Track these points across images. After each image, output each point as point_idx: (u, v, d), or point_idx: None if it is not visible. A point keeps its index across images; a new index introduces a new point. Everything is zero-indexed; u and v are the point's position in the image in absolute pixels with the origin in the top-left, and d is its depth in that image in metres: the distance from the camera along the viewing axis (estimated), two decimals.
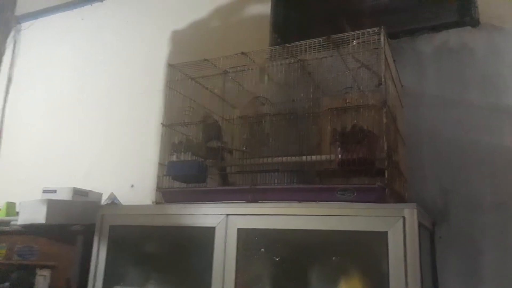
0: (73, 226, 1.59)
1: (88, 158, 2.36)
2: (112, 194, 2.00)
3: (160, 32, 2.34)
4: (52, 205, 1.62)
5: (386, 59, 1.32)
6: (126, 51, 2.45)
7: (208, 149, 1.50)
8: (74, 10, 2.69)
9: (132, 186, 2.17)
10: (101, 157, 2.34)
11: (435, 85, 1.71)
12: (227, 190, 1.43)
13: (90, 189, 1.96)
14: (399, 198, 1.40)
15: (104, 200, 1.98)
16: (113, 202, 1.96)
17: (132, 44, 2.44)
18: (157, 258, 1.46)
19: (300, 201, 1.28)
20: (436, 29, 1.76)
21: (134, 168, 2.17)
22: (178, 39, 2.30)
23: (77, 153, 2.41)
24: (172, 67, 1.59)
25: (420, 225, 1.15)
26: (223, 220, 1.31)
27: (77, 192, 1.91)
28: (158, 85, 2.08)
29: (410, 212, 1.13)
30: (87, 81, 2.53)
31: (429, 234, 1.51)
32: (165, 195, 1.51)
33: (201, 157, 1.53)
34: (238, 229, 1.28)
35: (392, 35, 1.76)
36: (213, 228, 1.31)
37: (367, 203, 1.17)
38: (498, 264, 1.48)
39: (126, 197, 1.99)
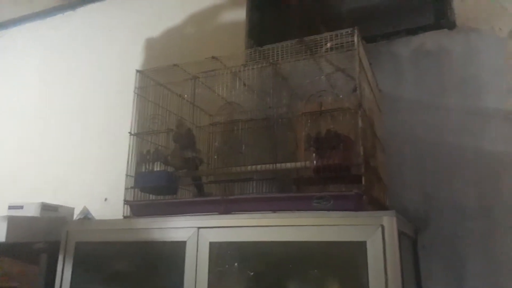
0: (36, 244, 1.49)
1: (61, 171, 2.28)
2: (85, 208, 1.88)
3: (134, 40, 2.30)
4: (13, 222, 1.51)
5: (360, 60, 1.28)
6: (98, 60, 2.39)
7: (179, 158, 1.46)
8: (45, 19, 2.62)
9: (106, 199, 2.11)
10: (74, 170, 2.26)
11: (413, 89, 1.68)
12: (197, 202, 1.37)
13: (62, 204, 1.88)
14: (380, 206, 1.35)
15: (76, 215, 1.88)
16: (86, 217, 1.85)
17: (105, 53, 2.38)
18: (125, 276, 1.39)
19: (275, 211, 1.22)
20: (413, 32, 1.74)
21: (108, 181, 2.10)
22: (152, 47, 2.26)
23: (50, 166, 2.33)
24: (140, 73, 1.55)
25: (400, 233, 1.10)
26: (194, 233, 1.25)
27: (45, 207, 1.81)
28: (131, 94, 2.04)
29: (389, 220, 1.07)
30: (59, 92, 2.46)
31: (411, 242, 1.46)
32: (133, 208, 1.45)
33: (174, 167, 1.47)
34: (210, 243, 1.23)
35: (369, 39, 1.74)
36: (184, 243, 1.25)
37: (344, 212, 1.12)
38: (483, 272, 1.43)
39: (100, 211, 1.86)
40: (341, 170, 1.18)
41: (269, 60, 1.40)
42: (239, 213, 1.27)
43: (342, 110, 1.24)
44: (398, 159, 1.63)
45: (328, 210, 1.15)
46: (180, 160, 1.43)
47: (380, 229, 1.07)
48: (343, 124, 1.25)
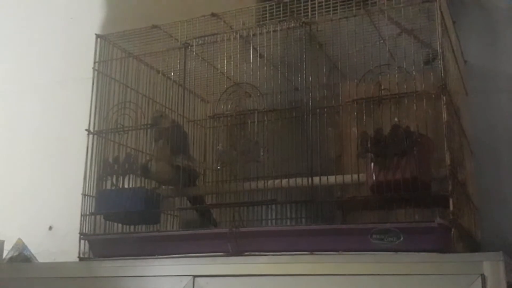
0: None
1: None
2: (19, 241, 1.88)
3: None
4: None
5: (442, 17, 1.25)
6: (38, 21, 2.38)
7: (169, 166, 1.48)
8: None
9: (51, 228, 2.12)
10: (2, 185, 2.23)
11: None
12: (193, 236, 1.36)
13: None
14: (471, 241, 1.33)
15: (7, 251, 1.88)
16: (22, 255, 1.86)
17: (48, 10, 2.37)
18: None
19: (312, 251, 1.21)
20: None
21: (54, 201, 2.10)
22: (118, 2, 2.25)
23: None
24: (102, 39, 1.55)
25: (510, 286, 1.04)
26: (188, 284, 1.24)
27: None
28: (88, 71, 2.03)
29: (493, 267, 1.02)
30: None
31: None
32: (94, 245, 1.45)
33: (159, 181, 1.50)
34: None
35: None
36: None
37: (422, 253, 1.10)
38: None
39: (43, 246, 1.95)
40: (415, 188, 1.15)
41: (299, 17, 1.38)
42: (257, 255, 1.25)
43: (416, 95, 1.20)
44: (492, 166, 1.62)
45: (397, 250, 1.13)
46: (170, 170, 1.43)
47: (479, 281, 1.02)
48: (416, 114, 1.21)
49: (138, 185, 1.47)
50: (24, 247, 1.85)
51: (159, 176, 1.48)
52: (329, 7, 1.34)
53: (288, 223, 1.42)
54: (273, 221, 1.39)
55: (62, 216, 2.00)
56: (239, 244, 1.26)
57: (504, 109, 1.64)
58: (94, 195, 1.47)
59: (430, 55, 1.34)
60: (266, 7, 1.43)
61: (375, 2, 1.31)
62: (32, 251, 1.83)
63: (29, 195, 2.16)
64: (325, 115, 1.34)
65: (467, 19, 1.68)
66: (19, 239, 1.84)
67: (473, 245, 1.37)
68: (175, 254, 1.32)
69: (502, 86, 1.65)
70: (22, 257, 1.80)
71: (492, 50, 1.68)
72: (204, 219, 1.48)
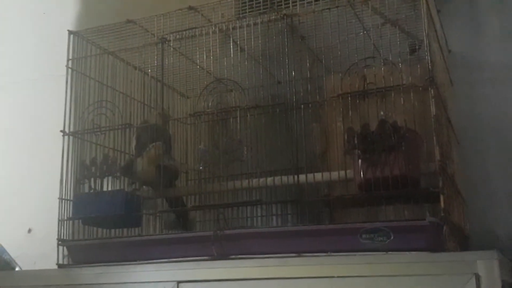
0: None
1: None
2: None
3: None
4: None
5: (428, 7, 1.23)
6: (8, 16, 2.35)
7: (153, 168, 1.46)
8: None
9: (30, 230, 2.11)
10: None
11: (500, 48, 1.65)
12: (176, 240, 1.34)
13: None
14: (460, 237, 1.31)
15: None
16: (1, 258, 1.85)
17: (19, 5, 2.34)
18: None
19: (299, 253, 1.19)
20: None
21: (32, 203, 2.09)
22: None
23: None
24: (75, 35, 1.53)
25: (505, 285, 1.02)
26: None
27: None
28: (61, 69, 2.00)
29: (487, 266, 1.00)
30: None
31: None
32: (73, 251, 1.42)
33: (145, 183, 1.48)
34: None
35: None
36: None
37: (413, 253, 1.09)
38: None
39: (21, 248, 1.93)
40: (404, 184, 1.13)
41: (280, 9, 1.36)
42: (243, 258, 1.23)
43: (402, 88, 1.18)
44: (477, 156, 1.60)
45: (387, 250, 1.11)
46: (155, 170, 1.40)
47: (473, 280, 1.00)
48: (403, 109, 1.19)
49: (117, 187, 1.44)
50: (3, 250, 1.84)
51: (144, 176, 1.45)
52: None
53: (274, 220, 1.40)
54: (259, 219, 1.37)
55: (41, 218, 1.98)
56: (224, 247, 1.25)
57: (489, 98, 1.63)
58: (71, 199, 1.45)
59: (417, 46, 1.32)
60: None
61: None
62: (12, 254, 1.82)
63: (6, 197, 2.14)
64: (310, 110, 1.32)
65: (450, 8, 1.67)
66: None
67: (462, 239, 1.35)
68: (158, 259, 1.30)
69: (487, 75, 1.64)
70: (1, 261, 1.79)
71: (476, 39, 1.67)
72: (179, 222, 1.47)
